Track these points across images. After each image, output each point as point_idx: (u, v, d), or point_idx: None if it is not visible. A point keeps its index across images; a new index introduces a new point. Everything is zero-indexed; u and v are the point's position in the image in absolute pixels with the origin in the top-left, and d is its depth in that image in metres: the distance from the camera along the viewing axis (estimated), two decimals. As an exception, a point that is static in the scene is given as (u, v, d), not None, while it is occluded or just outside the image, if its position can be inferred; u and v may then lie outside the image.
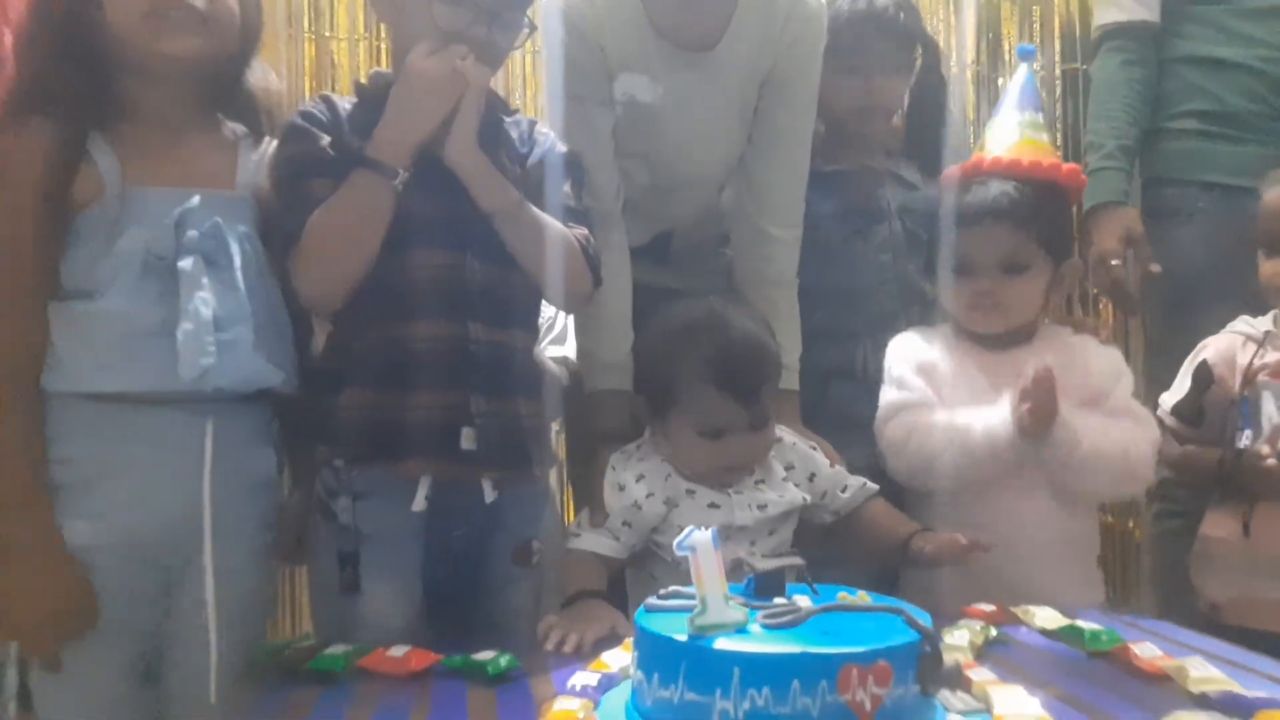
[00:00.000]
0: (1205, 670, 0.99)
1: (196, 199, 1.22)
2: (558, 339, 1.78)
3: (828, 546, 1.42)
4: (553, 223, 1.30)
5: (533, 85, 2.35)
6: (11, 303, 1.19)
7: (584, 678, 0.99)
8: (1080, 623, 1.16)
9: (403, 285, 1.25)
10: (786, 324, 1.55)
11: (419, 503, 1.24)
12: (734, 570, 1.29)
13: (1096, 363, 1.55)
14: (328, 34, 2.31)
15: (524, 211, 1.28)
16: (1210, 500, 1.58)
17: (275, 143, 1.32)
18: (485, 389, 1.26)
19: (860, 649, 0.82)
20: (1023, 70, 1.65)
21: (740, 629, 0.86)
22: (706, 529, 0.88)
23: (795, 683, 0.80)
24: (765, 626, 0.87)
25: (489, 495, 1.27)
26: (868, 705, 0.81)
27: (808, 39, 1.55)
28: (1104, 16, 2.01)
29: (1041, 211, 1.52)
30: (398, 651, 1.09)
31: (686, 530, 0.87)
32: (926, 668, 0.85)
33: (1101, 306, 2.40)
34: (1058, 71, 2.52)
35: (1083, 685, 1.02)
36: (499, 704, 0.99)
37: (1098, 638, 1.12)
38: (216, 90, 1.32)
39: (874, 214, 1.72)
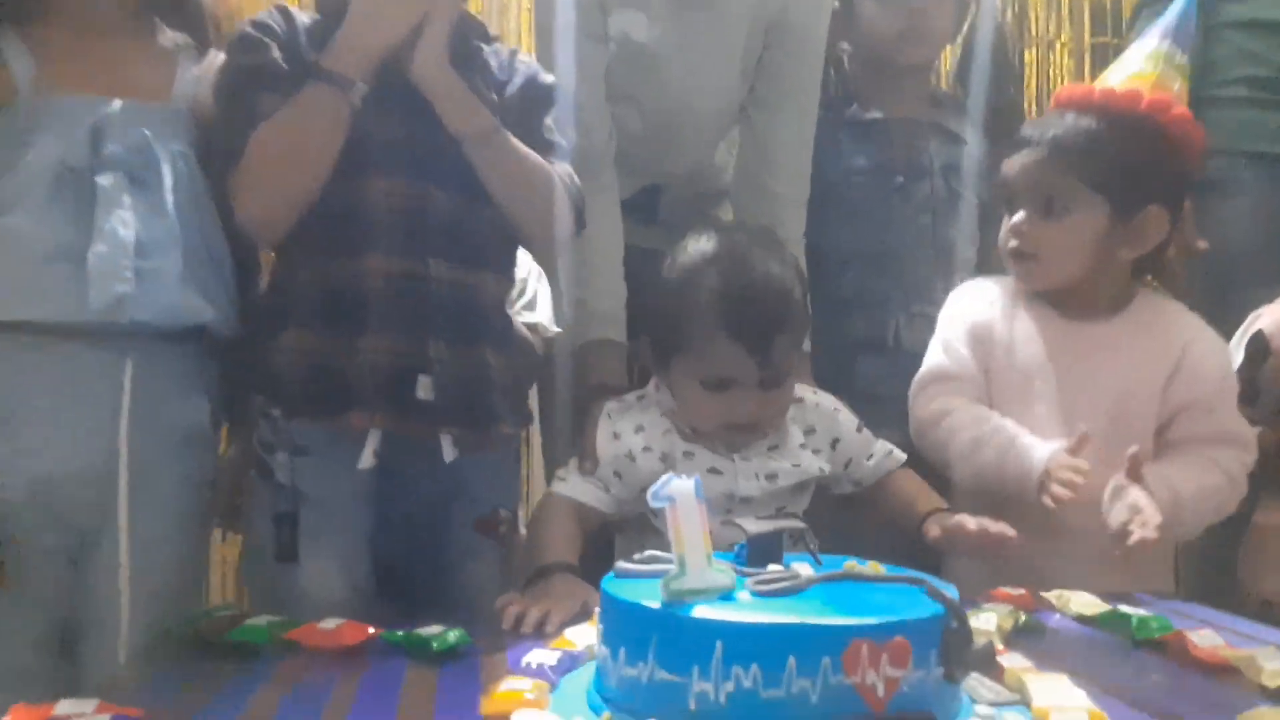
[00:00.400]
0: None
1: (117, 104, 1.07)
2: (529, 305, 1.64)
3: (847, 518, 1.26)
4: (531, 155, 1.15)
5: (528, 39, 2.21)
6: None
7: (541, 656, 0.84)
8: (1125, 608, 1.00)
9: (355, 215, 1.09)
10: None
11: (366, 459, 1.09)
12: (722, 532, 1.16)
13: (1208, 363, 1.29)
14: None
15: (499, 138, 1.13)
16: (1265, 486, 1.40)
17: (221, 55, 1.17)
18: (446, 334, 1.11)
19: (873, 621, 0.67)
20: (1180, 1, 1.39)
21: (725, 596, 0.71)
22: (689, 478, 0.72)
23: (791, 660, 0.65)
24: (756, 594, 0.72)
25: (449, 454, 1.12)
26: (880, 690, 0.66)
27: None
28: None
29: (1102, 150, 1.27)
30: (330, 624, 0.94)
31: (664, 478, 0.72)
32: (952, 647, 0.69)
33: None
34: (1087, 43, 2.39)
35: (1131, 677, 0.86)
36: (440, 684, 0.83)
37: (1147, 625, 0.96)
38: None
39: (915, 170, 1.56)
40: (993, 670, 0.73)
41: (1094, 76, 2.32)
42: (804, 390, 1.26)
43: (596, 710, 0.73)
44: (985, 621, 0.92)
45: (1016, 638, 0.95)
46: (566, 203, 1.18)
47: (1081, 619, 1.03)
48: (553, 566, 1.10)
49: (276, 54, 1.10)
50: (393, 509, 1.14)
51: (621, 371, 1.33)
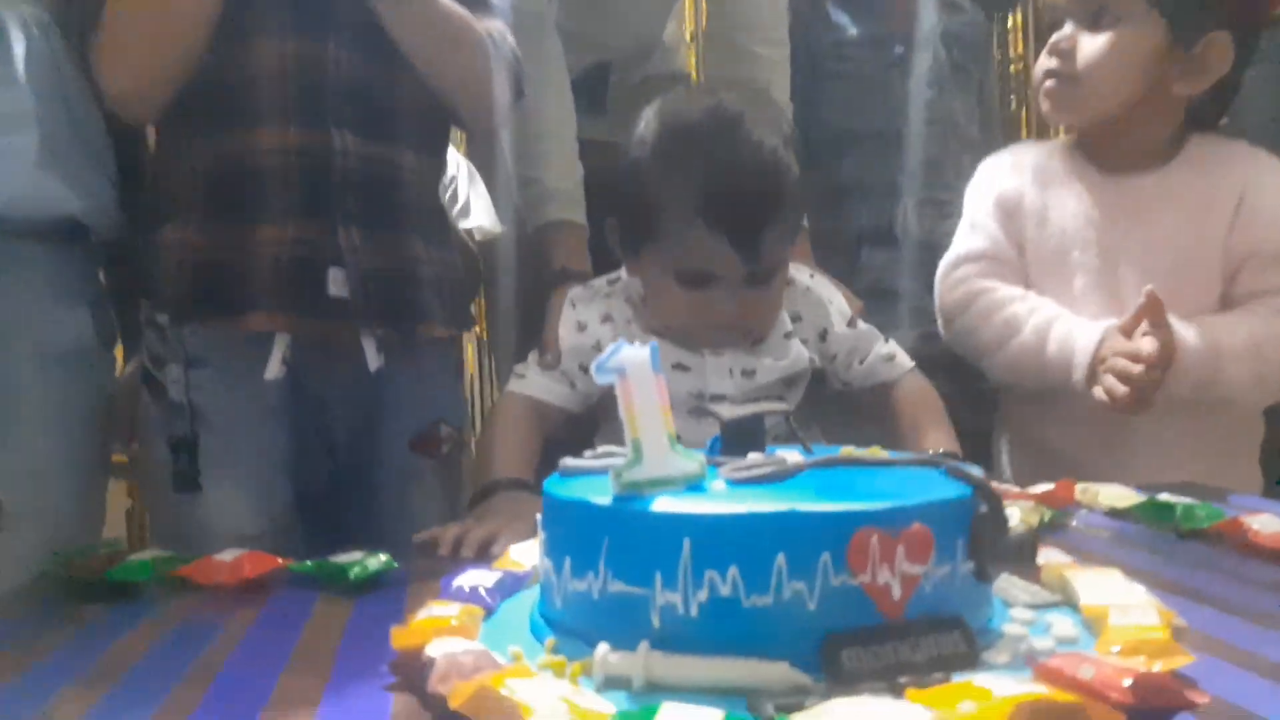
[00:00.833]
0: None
1: None
2: (463, 211, 1.47)
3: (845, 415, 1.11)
4: (455, 8, 0.98)
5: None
6: None
7: (476, 577, 0.68)
8: (1167, 497, 0.86)
9: (242, 82, 0.92)
10: None
11: (273, 369, 0.93)
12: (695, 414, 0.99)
13: (1275, 203, 1.11)
14: None
15: None
16: None
17: None
18: (359, 218, 0.94)
19: (883, 505, 0.52)
20: None
21: (693, 486, 0.56)
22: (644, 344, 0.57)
23: (780, 558, 0.50)
24: (732, 482, 0.57)
25: (374, 361, 0.96)
26: (896, 591, 0.51)
27: None
28: None
29: None
30: (227, 555, 0.78)
31: (612, 346, 0.56)
32: (983, 536, 0.55)
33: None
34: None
35: (1184, 570, 0.72)
36: (353, 617, 0.68)
37: (1193, 514, 0.82)
38: None
39: (914, 40, 1.39)
40: (1031, 566, 0.58)
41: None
42: (798, 271, 1.09)
43: (539, 636, 0.58)
44: (1005, 518, 0.78)
45: (1043, 537, 0.80)
46: (501, 66, 1.01)
47: (1114, 513, 0.89)
48: (501, 483, 0.95)
49: None
50: (312, 428, 0.98)
51: (584, 256, 1.17)
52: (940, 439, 1.03)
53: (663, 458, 0.55)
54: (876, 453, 0.65)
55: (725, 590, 0.50)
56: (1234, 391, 1.08)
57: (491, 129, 1.11)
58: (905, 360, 1.11)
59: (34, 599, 0.79)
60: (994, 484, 0.57)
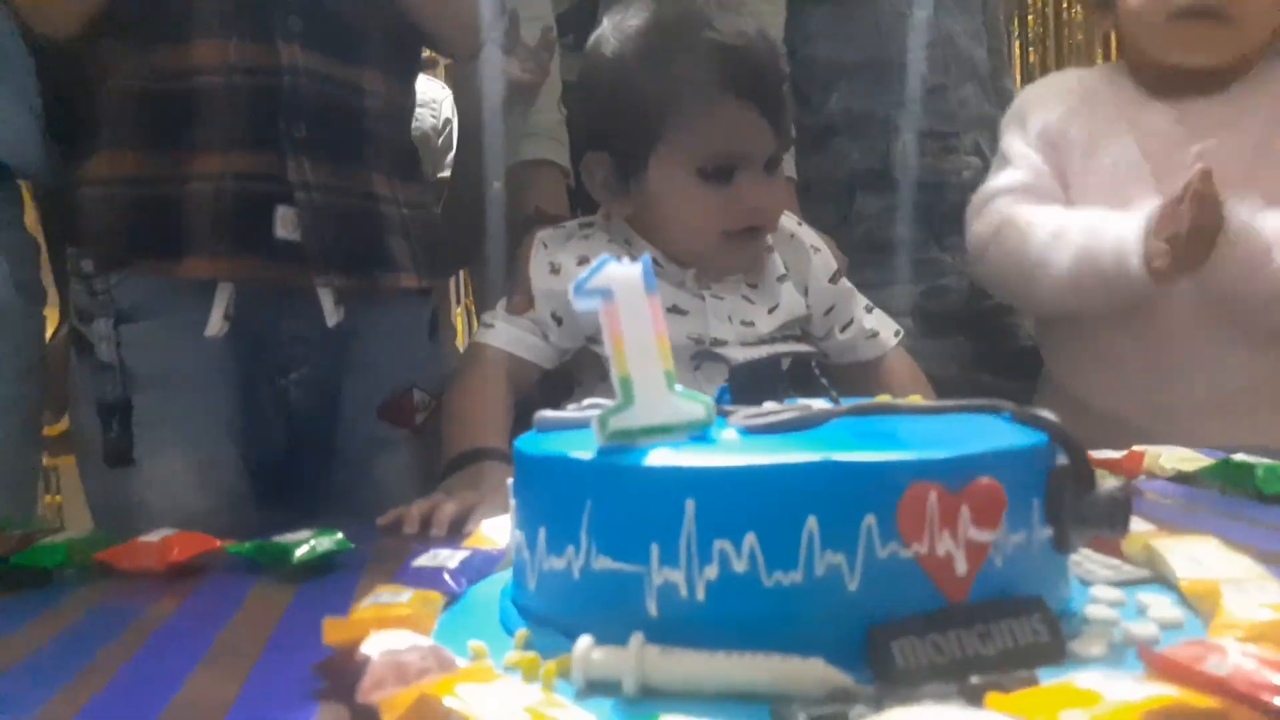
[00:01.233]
0: None
1: None
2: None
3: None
4: None
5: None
6: None
7: (441, 558, 0.57)
8: (1243, 457, 0.75)
9: None
10: None
11: (215, 324, 0.81)
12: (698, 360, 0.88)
13: None
14: None
15: None
16: None
17: None
18: (312, 148, 0.83)
19: (942, 455, 0.40)
20: None
21: (697, 435, 0.45)
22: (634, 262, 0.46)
23: (811, 522, 0.39)
24: (745, 431, 0.46)
25: (331, 315, 0.85)
26: (960, 565, 0.40)
27: None
28: None
29: None
30: (155, 536, 0.67)
31: (594, 263, 0.45)
32: (1065, 492, 0.43)
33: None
34: None
35: (1276, 538, 0.61)
36: (290, 607, 0.57)
37: (1277, 475, 0.71)
38: None
39: None
40: (1123, 532, 0.47)
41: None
42: (785, 218, 0.98)
43: (510, 628, 0.47)
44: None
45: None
46: None
47: (1181, 477, 0.78)
48: (477, 451, 0.83)
49: None
50: (263, 392, 0.87)
51: (563, 199, 1.06)
52: None
53: (659, 400, 0.44)
54: (918, 400, 0.54)
55: (740, 566, 0.39)
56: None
57: (475, 50, 0.98)
58: (889, 338, 1.00)
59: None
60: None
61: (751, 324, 0.92)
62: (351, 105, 0.86)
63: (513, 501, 0.50)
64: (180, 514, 0.77)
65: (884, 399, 0.54)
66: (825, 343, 0.98)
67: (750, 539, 0.39)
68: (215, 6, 0.80)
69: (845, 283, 0.99)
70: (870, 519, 0.39)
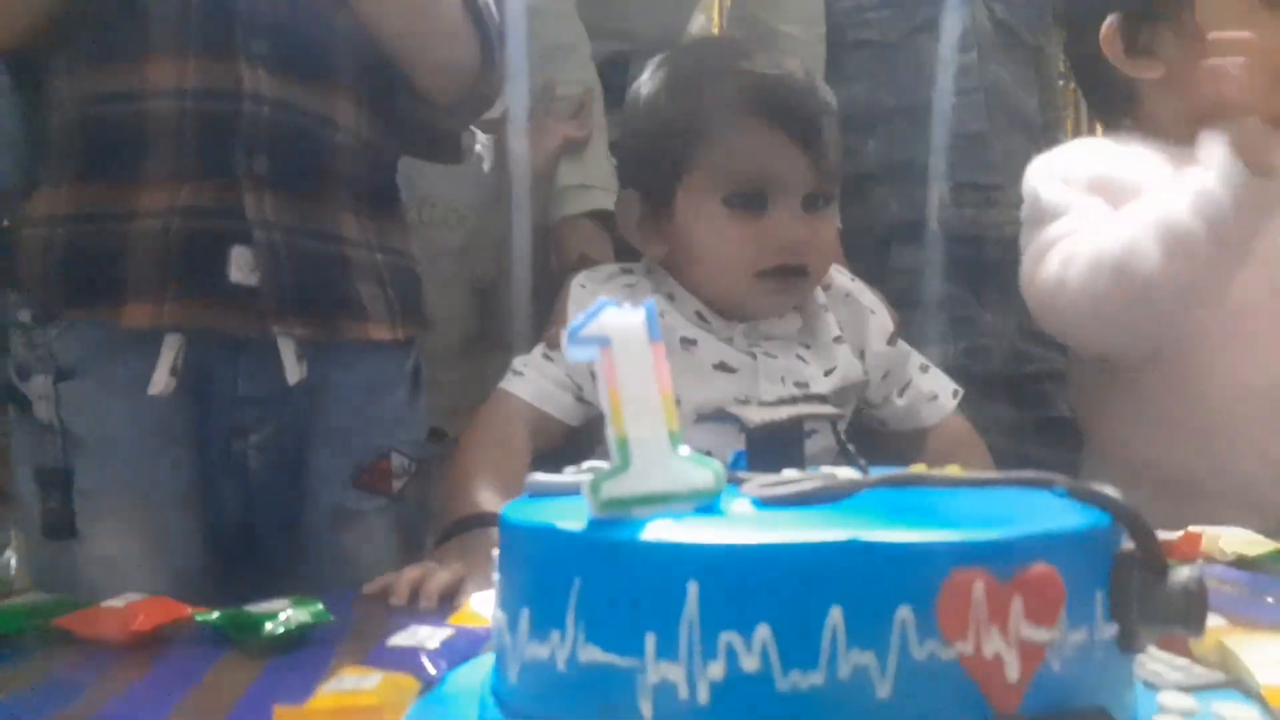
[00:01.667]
0: None
1: None
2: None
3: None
4: None
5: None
6: None
7: (420, 636, 0.51)
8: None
9: (121, 4, 0.75)
10: None
11: (161, 380, 0.73)
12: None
13: None
14: None
15: None
16: None
17: None
18: (274, 183, 0.76)
19: (990, 535, 0.35)
20: None
21: (705, 505, 0.39)
22: (636, 306, 0.40)
23: (835, 615, 0.33)
24: (759, 501, 0.40)
25: (293, 371, 0.77)
26: (1012, 669, 0.34)
27: None
28: None
29: None
30: (119, 602, 0.62)
31: (593, 306, 0.40)
32: (1133, 583, 0.37)
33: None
34: None
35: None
36: (252, 686, 0.51)
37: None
38: None
39: None
40: (1200, 630, 0.41)
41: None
42: (838, 272, 0.94)
43: (487, 724, 0.41)
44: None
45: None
46: (463, 12, 0.82)
47: (1243, 562, 0.71)
48: (478, 518, 0.77)
49: None
50: (219, 456, 0.78)
51: (608, 245, 1.03)
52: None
53: (661, 464, 0.38)
54: (958, 471, 0.48)
55: (750, 664, 0.33)
56: None
57: (454, 100, 0.90)
58: (948, 400, 0.94)
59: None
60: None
61: (806, 385, 0.86)
62: (320, 137, 0.79)
63: (496, 576, 0.44)
64: (129, 591, 0.70)
65: (919, 469, 0.48)
66: (883, 410, 0.93)
67: (763, 631, 0.33)
68: (172, 21, 0.74)
69: (902, 344, 0.95)
70: (905, 611, 0.33)
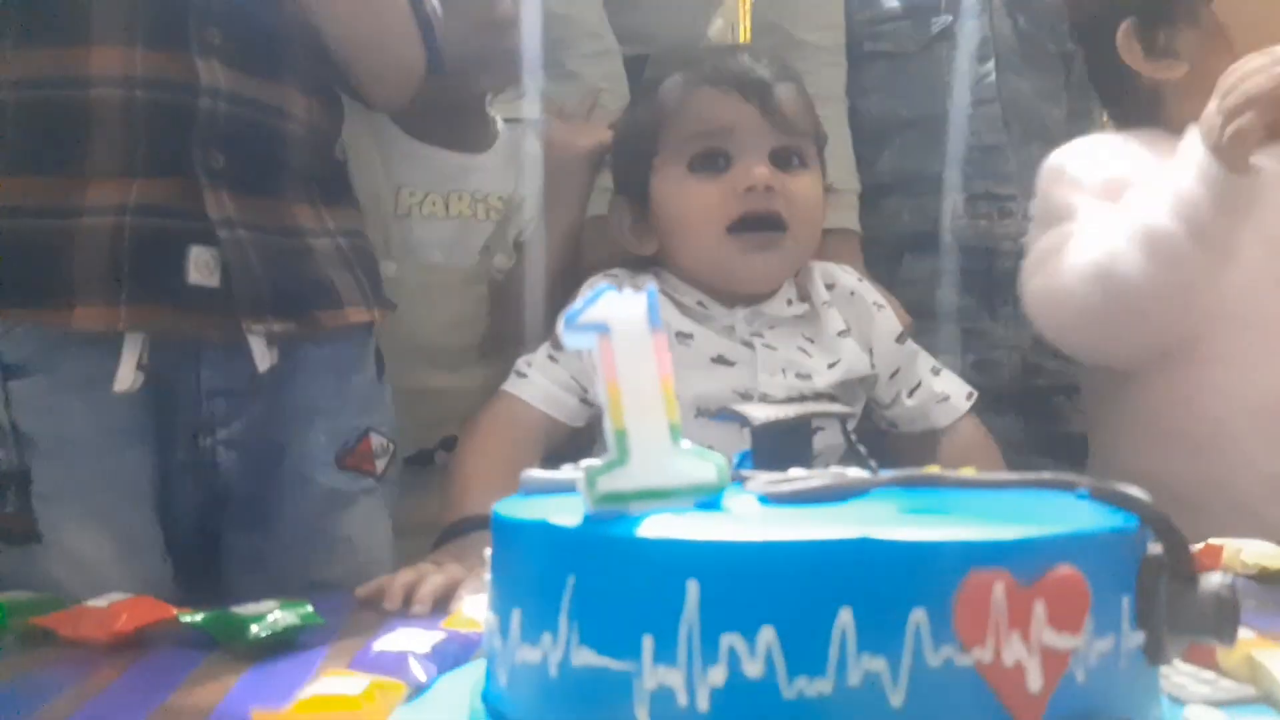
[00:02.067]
0: None
1: None
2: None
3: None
4: None
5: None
6: None
7: (410, 639, 0.49)
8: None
9: None
10: (837, 149, 1.05)
11: (125, 378, 0.70)
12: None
13: None
14: None
15: None
16: None
17: None
18: (231, 178, 0.72)
19: (1010, 534, 0.32)
20: None
21: (706, 500, 0.37)
22: (636, 291, 0.38)
23: (845, 617, 0.31)
24: (765, 498, 0.38)
25: (263, 360, 0.73)
26: (1034, 678, 0.31)
27: None
28: None
29: None
30: (100, 602, 0.60)
31: (589, 293, 0.38)
32: (1160, 588, 0.35)
33: None
34: None
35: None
36: (233, 691, 0.49)
37: (1386, 578, 0.61)
38: None
39: (962, 7, 1.17)
40: (1232, 639, 0.38)
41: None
42: (844, 272, 0.92)
43: (475, 731, 0.39)
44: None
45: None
46: (411, 24, 0.80)
47: (1267, 574, 0.68)
48: (475, 520, 0.75)
49: None
50: (183, 454, 0.75)
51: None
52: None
53: (660, 458, 0.36)
54: (973, 472, 0.46)
55: (754, 669, 0.31)
56: None
57: (395, 105, 0.88)
58: (962, 402, 0.92)
59: None
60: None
61: (808, 377, 0.84)
62: (273, 129, 0.76)
63: (487, 577, 0.42)
64: (95, 594, 0.67)
65: (932, 470, 0.46)
66: (893, 410, 0.91)
67: (767, 634, 0.31)
68: (120, 13, 0.70)
69: (911, 344, 0.92)
70: (919, 615, 0.31)
